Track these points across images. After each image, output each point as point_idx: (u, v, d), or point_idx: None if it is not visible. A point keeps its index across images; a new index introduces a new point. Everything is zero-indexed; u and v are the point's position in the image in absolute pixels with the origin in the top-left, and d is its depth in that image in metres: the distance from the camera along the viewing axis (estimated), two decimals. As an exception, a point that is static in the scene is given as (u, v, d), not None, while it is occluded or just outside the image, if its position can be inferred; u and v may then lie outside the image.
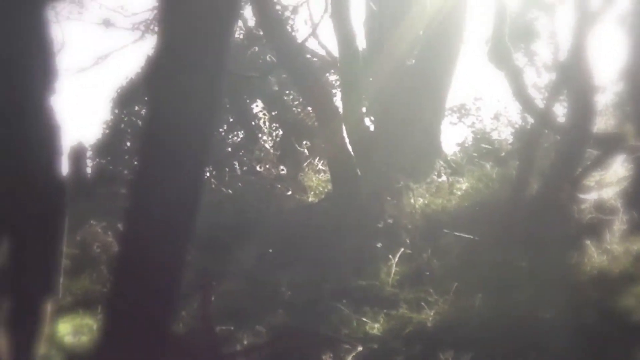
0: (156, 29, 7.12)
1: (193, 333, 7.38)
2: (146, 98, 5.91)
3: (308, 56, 16.97)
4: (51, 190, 5.61)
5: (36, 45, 5.59)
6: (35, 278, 5.47)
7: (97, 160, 20.35)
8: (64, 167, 5.66)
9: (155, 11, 17.71)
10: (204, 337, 7.20)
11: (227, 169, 15.46)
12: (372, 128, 14.52)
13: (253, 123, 20.70)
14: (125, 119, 20.68)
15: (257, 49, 19.91)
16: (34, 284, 5.47)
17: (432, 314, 7.06)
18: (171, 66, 5.32)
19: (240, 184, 14.63)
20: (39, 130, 5.68)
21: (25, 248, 5.47)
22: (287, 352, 6.75)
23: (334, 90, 16.42)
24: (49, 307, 5.58)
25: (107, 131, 21.19)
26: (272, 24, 12.23)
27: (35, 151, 5.62)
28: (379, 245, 9.08)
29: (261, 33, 15.89)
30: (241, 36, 19.34)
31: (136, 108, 20.15)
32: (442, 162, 13.72)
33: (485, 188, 10.57)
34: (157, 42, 5.52)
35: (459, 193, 10.70)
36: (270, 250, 9.26)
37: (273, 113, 20.69)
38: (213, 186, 13.54)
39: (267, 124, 20.51)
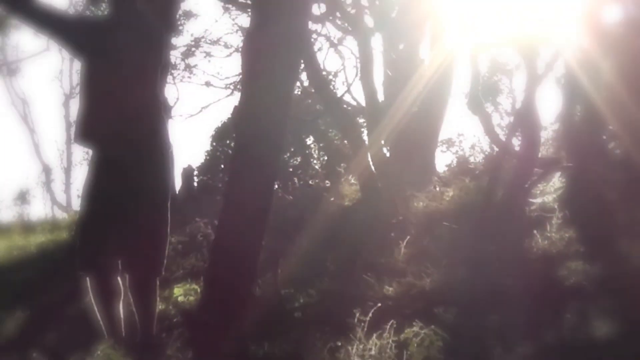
0: (240, 87, 7.26)
1: (266, 295, 7.42)
2: (234, 135, 5.98)
3: (345, 106, 17.04)
4: (161, 199, 5.72)
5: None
6: (146, 261, 5.59)
7: (201, 177, 20.53)
8: (176, 182, 5.77)
9: (240, 76, 17.89)
10: (274, 298, 7.24)
11: (289, 183, 15.49)
12: (388, 155, 14.53)
13: (307, 152, 20.79)
14: (220, 149, 20.84)
15: (310, 100, 19.99)
16: (145, 266, 5.59)
17: (429, 281, 7.06)
18: (250, 113, 5.37)
19: (298, 193, 14.69)
20: (159, 155, 5.76)
21: (139, 239, 5.56)
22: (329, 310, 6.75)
23: (362, 129, 16.45)
24: (158, 281, 5.70)
25: (208, 157, 21.43)
26: (320, 84, 12.33)
27: (155, 173, 5.70)
28: (393, 234, 9.08)
29: (313, 90, 15.92)
30: (299, 92, 19.43)
31: (227, 142, 20.29)
32: (436, 178, 13.71)
33: (465, 195, 10.54)
34: (241, 97, 5.57)
35: (447, 199, 10.67)
36: (319, 238, 9.26)
37: (321, 145, 20.78)
38: (280, 194, 13.59)
39: (316, 152, 20.57)
